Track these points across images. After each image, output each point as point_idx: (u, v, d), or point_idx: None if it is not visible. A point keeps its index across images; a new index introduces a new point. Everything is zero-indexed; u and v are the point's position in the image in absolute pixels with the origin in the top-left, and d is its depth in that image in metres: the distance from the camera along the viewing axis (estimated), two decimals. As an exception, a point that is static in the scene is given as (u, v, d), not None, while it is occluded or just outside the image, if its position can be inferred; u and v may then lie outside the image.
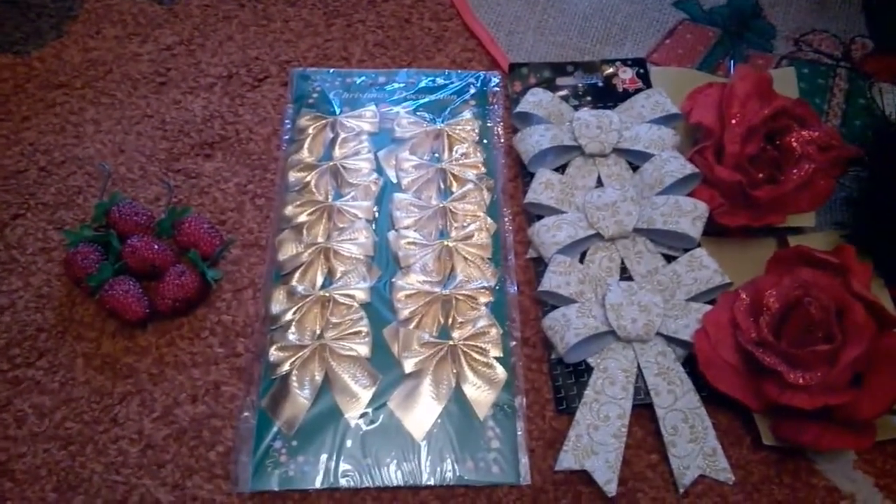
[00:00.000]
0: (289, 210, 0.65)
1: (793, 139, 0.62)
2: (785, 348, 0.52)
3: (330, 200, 0.66)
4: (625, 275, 0.62)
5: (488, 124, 0.72)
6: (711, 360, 0.55)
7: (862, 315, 0.51)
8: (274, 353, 0.58)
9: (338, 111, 0.71)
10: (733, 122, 0.62)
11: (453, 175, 0.68)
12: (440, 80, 0.74)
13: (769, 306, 0.54)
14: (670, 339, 0.58)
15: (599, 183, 0.67)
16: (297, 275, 0.62)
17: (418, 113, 0.72)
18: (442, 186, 0.67)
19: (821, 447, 0.52)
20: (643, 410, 0.57)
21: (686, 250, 0.62)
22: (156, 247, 0.61)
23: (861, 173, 0.64)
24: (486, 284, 0.62)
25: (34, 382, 0.59)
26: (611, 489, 0.53)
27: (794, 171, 0.61)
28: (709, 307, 0.58)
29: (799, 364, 0.51)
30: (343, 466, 0.54)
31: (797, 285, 0.54)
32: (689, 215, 0.61)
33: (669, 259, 0.62)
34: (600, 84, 0.73)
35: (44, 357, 0.60)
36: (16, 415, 0.57)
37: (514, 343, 0.60)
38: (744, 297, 0.56)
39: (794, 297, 0.53)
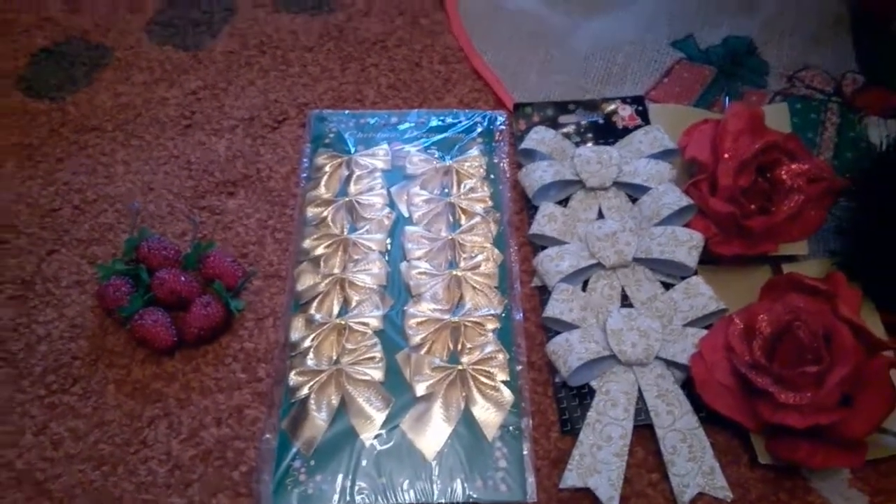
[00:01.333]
0: (307, 243, 0.69)
1: (783, 172, 0.65)
2: (776, 370, 0.55)
3: (345, 234, 0.70)
4: (625, 302, 0.66)
5: (494, 160, 0.76)
6: (707, 382, 0.58)
7: (848, 338, 0.54)
8: (293, 378, 0.62)
9: (353, 150, 0.76)
10: (726, 156, 0.65)
11: (462, 209, 0.71)
12: (449, 120, 0.79)
13: (761, 331, 0.57)
14: (669, 363, 0.61)
15: (600, 215, 0.70)
16: (314, 304, 0.66)
17: (428, 151, 0.76)
18: (451, 219, 0.71)
19: (813, 465, 0.55)
20: (644, 431, 0.60)
21: (683, 278, 0.65)
22: (183, 279, 0.65)
23: (850, 204, 0.67)
24: (493, 312, 0.65)
25: (69, 407, 0.62)
26: (613, 506, 0.56)
27: (785, 202, 0.64)
28: (705, 332, 0.61)
29: (790, 385, 0.54)
30: (359, 485, 0.57)
31: (788, 311, 0.57)
32: (685, 245, 0.64)
33: (668, 286, 0.65)
34: (601, 121, 0.77)
35: (78, 383, 0.63)
36: (52, 438, 0.61)
37: (520, 367, 0.63)
38: (738, 322, 0.58)
39: (784, 322, 0.56)
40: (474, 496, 0.57)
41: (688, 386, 0.60)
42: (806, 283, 0.59)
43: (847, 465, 0.56)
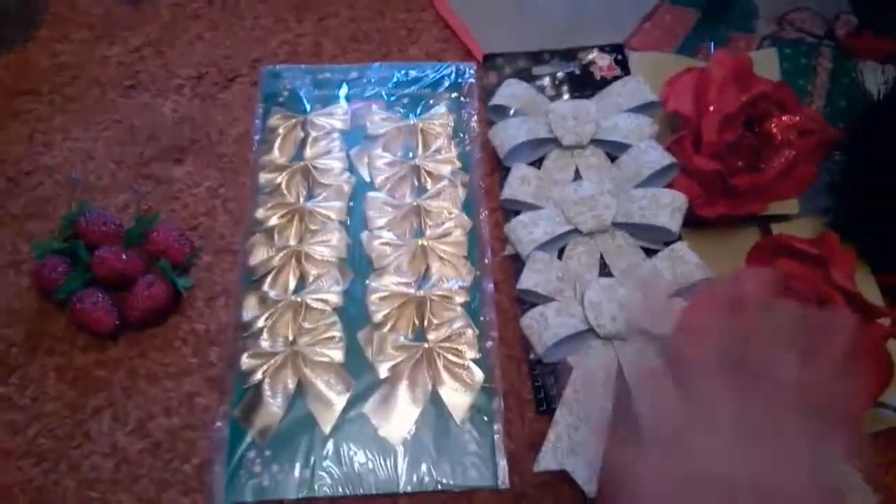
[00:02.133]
0: (260, 213, 0.64)
1: (773, 125, 0.60)
2: (765, 343, 0.51)
3: (301, 202, 0.64)
4: (605, 270, 0.61)
5: (463, 118, 0.70)
6: (691, 356, 0.54)
7: (842, 307, 0.50)
8: (246, 361, 0.57)
9: (309, 109, 0.70)
10: (711, 109, 0.60)
11: (427, 172, 0.66)
12: (414, 74, 0.73)
13: (748, 300, 0.52)
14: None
15: (577, 175, 0.65)
16: (268, 280, 0.61)
17: (392, 108, 0.70)
18: (416, 184, 0.66)
19: (803, 443, 0.51)
20: (624, 408, 0.56)
21: (667, 243, 0.60)
22: (124, 257, 0.60)
23: (844, 157, 0.62)
24: (461, 284, 0.60)
25: (5, 399, 0.58)
26: (591, 489, 0.52)
27: (775, 158, 0.60)
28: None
29: (779, 359, 0.50)
30: (319, 475, 0.53)
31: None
32: (667, 207, 0.59)
33: (650, 252, 0.61)
34: (577, 72, 0.72)
35: (15, 373, 0.59)
36: (-13, 433, 0.56)
37: (490, 343, 0.58)
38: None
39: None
40: (443, 482, 0.53)
41: (670, 359, 0.56)
42: (796, 247, 0.54)
43: (840, 441, 0.53)
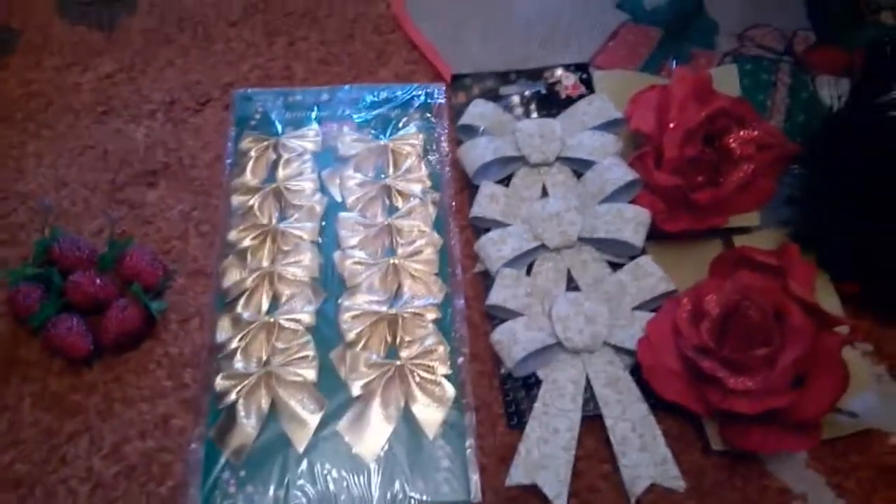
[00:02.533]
0: (232, 235, 0.65)
1: (732, 140, 0.62)
2: (726, 354, 0.52)
3: (274, 223, 0.65)
4: (571, 284, 0.62)
5: (434, 137, 0.71)
6: (655, 367, 0.55)
7: (799, 317, 0.52)
8: (220, 382, 0.58)
9: (280, 131, 0.71)
10: (671, 125, 0.62)
11: (398, 191, 0.67)
12: (384, 95, 0.74)
13: (709, 312, 0.54)
14: (618, 349, 0.58)
15: (545, 192, 0.67)
16: (241, 301, 0.61)
17: (362, 129, 0.71)
18: (387, 203, 0.67)
19: (765, 450, 0.53)
20: (594, 421, 0.57)
21: (632, 257, 0.62)
22: (98, 281, 0.61)
23: (803, 170, 0.64)
24: (433, 301, 0.61)
25: (-20, 426, 0.58)
26: (561, 503, 0.53)
27: (734, 172, 0.61)
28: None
29: (739, 369, 0.52)
30: (293, 494, 0.54)
31: (737, 290, 0.54)
32: (631, 223, 0.61)
33: (615, 266, 0.62)
34: (544, 91, 0.73)
35: (-10, 399, 0.59)
36: (-38, 460, 0.56)
37: (461, 359, 0.59)
38: (685, 303, 0.56)
39: (733, 302, 0.54)
40: (416, 498, 0.54)
41: (637, 372, 0.57)
42: (756, 259, 0.56)
43: (800, 448, 0.54)
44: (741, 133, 0.62)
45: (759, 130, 0.63)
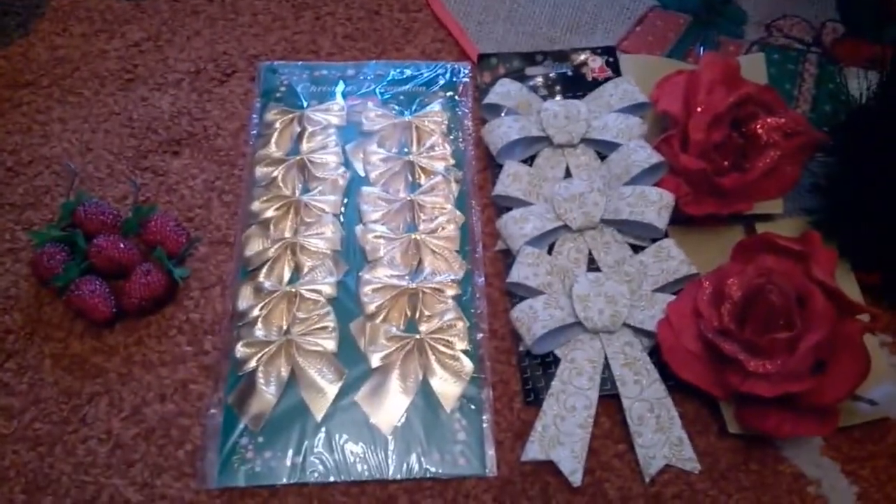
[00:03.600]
0: (255, 206, 0.65)
1: (758, 126, 0.62)
2: (746, 336, 0.52)
3: (297, 195, 0.65)
4: (592, 265, 0.62)
5: (457, 115, 0.71)
6: (675, 349, 0.55)
7: (821, 302, 0.52)
8: (240, 350, 0.58)
9: (305, 105, 0.71)
10: (698, 109, 0.61)
11: (421, 168, 0.67)
12: (409, 72, 0.74)
13: (731, 295, 0.54)
14: (637, 330, 0.58)
15: (568, 173, 0.67)
16: (263, 270, 0.62)
17: (387, 105, 0.71)
18: (410, 179, 0.67)
19: (781, 435, 0.53)
20: (611, 401, 0.57)
21: (654, 240, 0.62)
22: (122, 246, 0.61)
23: (828, 159, 0.64)
24: (453, 277, 0.62)
25: (2, 384, 0.59)
26: (576, 479, 0.53)
27: (760, 158, 0.61)
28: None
29: (760, 352, 0.52)
30: (310, 461, 0.54)
31: (759, 273, 0.54)
32: (654, 205, 0.61)
33: (637, 249, 0.62)
34: (570, 73, 0.73)
35: (12, 359, 0.60)
36: (-17, 417, 0.57)
37: (481, 335, 0.60)
38: (707, 285, 0.56)
39: (755, 286, 0.53)
40: (431, 470, 0.54)
41: (656, 354, 0.57)
42: (779, 244, 0.55)
43: (817, 433, 0.54)
44: (768, 120, 0.62)
45: (786, 118, 0.63)
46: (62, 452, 0.56)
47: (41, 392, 0.58)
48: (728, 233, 0.64)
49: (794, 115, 0.64)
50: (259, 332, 0.59)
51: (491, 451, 0.55)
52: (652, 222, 0.60)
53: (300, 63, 0.75)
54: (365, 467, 0.54)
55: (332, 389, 0.57)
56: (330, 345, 0.58)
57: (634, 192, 0.62)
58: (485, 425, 0.56)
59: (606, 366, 0.58)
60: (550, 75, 0.73)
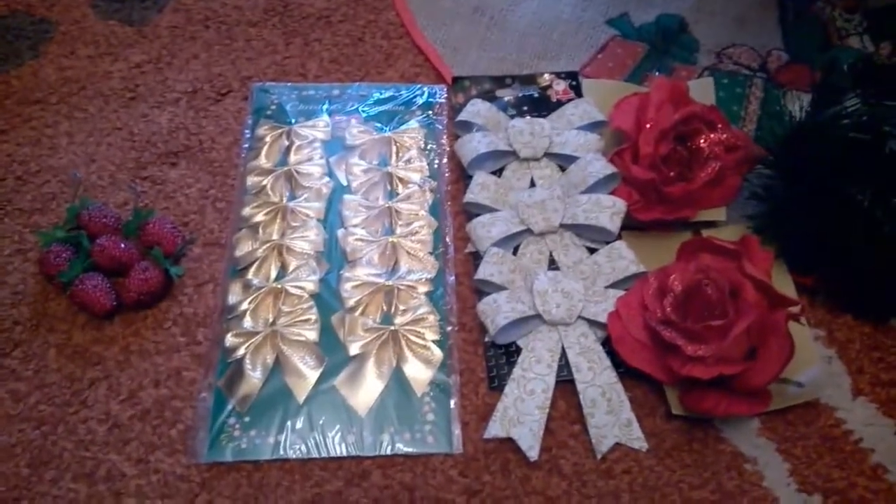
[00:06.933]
0: (246, 211, 0.71)
1: (702, 141, 0.68)
2: (685, 325, 0.58)
3: (284, 202, 0.72)
4: (553, 265, 0.68)
5: (434, 132, 0.78)
6: (623, 338, 0.61)
7: (751, 294, 0.58)
8: (230, 339, 0.64)
9: (293, 121, 0.78)
10: (647, 126, 0.68)
11: (399, 178, 0.74)
12: (390, 93, 0.81)
13: (673, 289, 0.60)
14: (591, 322, 0.64)
15: (533, 184, 0.73)
16: (252, 269, 0.68)
17: (369, 122, 0.78)
18: (388, 188, 0.73)
19: (718, 413, 0.58)
20: (567, 386, 0.63)
21: (607, 242, 0.68)
22: (122, 245, 0.67)
23: (767, 171, 0.71)
24: (426, 276, 0.68)
25: (10, 371, 0.64)
26: (533, 454, 0.59)
27: (703, 169, 0.68)
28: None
29: (697, 338, 0.58)
30: (292, 439, 0.60)
31: (698, 270, 0.60)
32: (608, 211, 0.67)
33: (593, 251, 0.68)
34: (536, 95, 0.80)
35: (19, 347, 0.65)
36: (-8, 399, 0.62)
37: (450, 328, 0.65)
38: (652, 281, 0.62)
39: (694, 281, 0.60)
40: (403, 448, 0.60)
41: (608, 344, 0.63)
42: (716, 244, 0.62)
43: (749, 412, 0.60)
44: (711, 135, 0.69)
45: (727, 134, 0.69)
46: (64, 431, 0.61)
47: (46, 377, 0.63)
48: (675, 237, 0.70)
49: (736, 131, 0.71)
50: (247, 323, 0.65)
51: (457, 431, 0.61)
52: (605, 226, 0.66)
53: (289, 84, 0.81)
54: (342, 445, 0.60)
55: (313, 375, 0.62)
56: (312, 335, 0.64)
57: (590, 199, 0.68)
58: (452, 408, 0.61)
59: (563, 354, 0.63)
60: (518, 96, 0.80)
